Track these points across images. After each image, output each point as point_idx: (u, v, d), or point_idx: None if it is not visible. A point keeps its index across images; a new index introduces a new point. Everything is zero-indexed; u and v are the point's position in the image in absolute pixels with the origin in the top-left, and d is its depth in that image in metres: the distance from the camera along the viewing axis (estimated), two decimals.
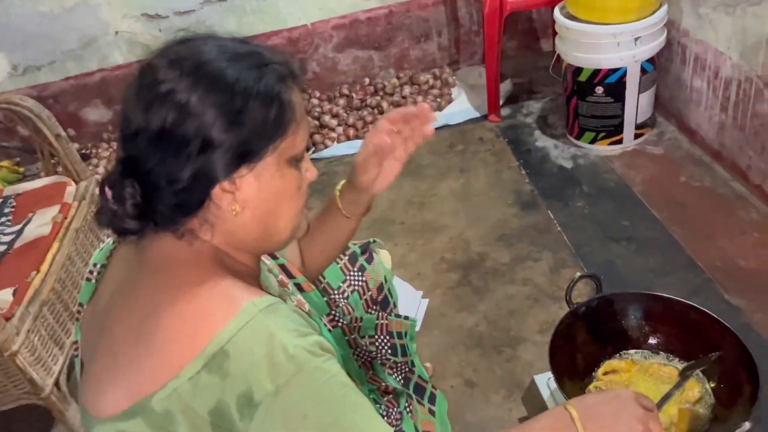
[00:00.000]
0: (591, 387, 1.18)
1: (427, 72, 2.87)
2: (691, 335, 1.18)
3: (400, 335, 1.26)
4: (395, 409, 1.08)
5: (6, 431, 1.65)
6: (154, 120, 0.66)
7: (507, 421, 1.38)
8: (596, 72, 2.08)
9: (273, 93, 0.69)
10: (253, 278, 0.77)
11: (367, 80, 2.84)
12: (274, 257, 0.96)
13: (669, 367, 1.18)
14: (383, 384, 1.11)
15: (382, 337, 1.22)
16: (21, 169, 2.76)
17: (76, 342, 0.86)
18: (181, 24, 2.60)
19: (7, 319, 1.34)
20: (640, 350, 1.23)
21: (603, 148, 2.23)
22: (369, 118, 2.63)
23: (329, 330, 0.94)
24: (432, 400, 1.31)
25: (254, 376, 0.64)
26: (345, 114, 2.70)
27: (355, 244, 1.24)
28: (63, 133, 1.77)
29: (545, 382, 1.25)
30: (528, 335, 1.59)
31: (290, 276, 0.96)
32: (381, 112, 2.67)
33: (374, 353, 1.19)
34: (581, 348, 1.21)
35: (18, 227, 1.62)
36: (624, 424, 0.77)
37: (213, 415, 0.65)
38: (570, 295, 1.21)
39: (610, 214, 1.95)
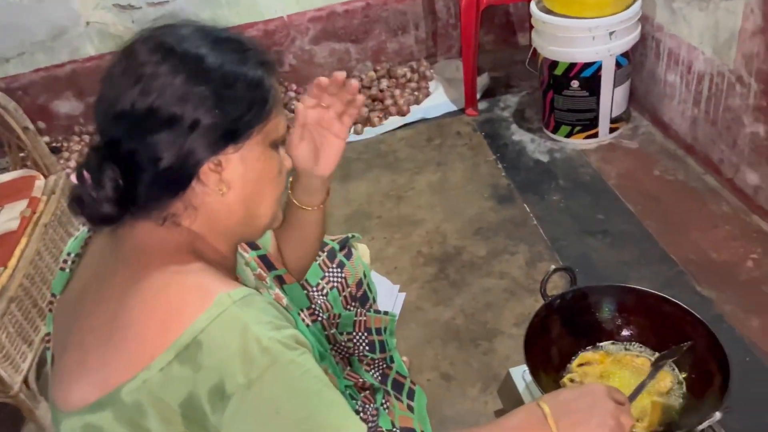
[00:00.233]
0: (566, 379, 1.18)
1: (405, 65, 2.87)
2: (663, 326, 1.19)
3: (378, 331, 1.25)
4: (371, 405, 1.08)
5: None
6: (139, 102, 0.65)
7: (483, 415, 1.39)
8: (572, 66, 2.09)
9: (257, 76, 0.70)
10: (229, 270, 0.76)
11: (344, 73, 2.82)
12: (254, 248, 0.95)
13: (642, 358, 1.20)
14: (360, 380, 1.11)
15: (360, 334, 1.21)
16: None
17: (48, 334, 0.84)
18: (154, 15, 2.55)
19: None
20: (614, 342, 1.23)
21: (579, 142, 2.25)
22: None
23: (308, 325, 0.93)
24: (411, 395, 1.31)
25: (227, 368, 0.63)
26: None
27: (333, 240, 1.23)
28: (31, 126, 1.73)
29: (521, 374, 1.25)
30: (504, 328, 1.60)
31: (271, 268, 0.95)
32: None
33: (352, 350, 1.18)
34: (556, 340, 1.21)
35: None
36: (596, 419, 0.78)
37: (184, 408, 0.64)
38: (545, 288, 1.21)
39: (586, 208, 1.97)
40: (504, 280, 1.75)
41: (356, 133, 2.54)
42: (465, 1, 2.30)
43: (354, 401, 1.05)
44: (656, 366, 1.10)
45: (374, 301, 1.26)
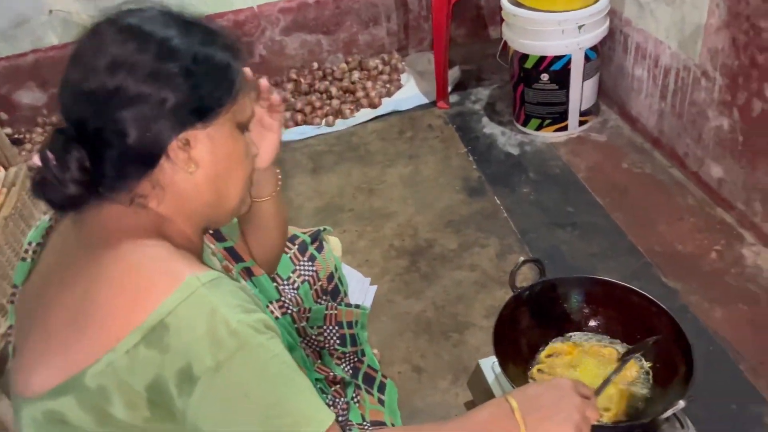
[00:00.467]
0: (534, 370, 1.20)
1: (376, 57, 2.85)
2: (630, 317, 1.21)
3: (350, 325, 1.25)
4: (342, 399, 1.07)
5: None
6: (106, 80, 0.65)
7: (453, 406, 1.40)
8: (542, 59, 2.11)
9: (224, 57, 0.71)
10: (196, 255, 0.75)
11: (315, 65, 2.80)
12: (221, 239, 0.94)
13: (609, 348, 1.21)
14: (331, 374, 1.10)
15: (331, 327, 1.20)
16: None
17: (10, 327, 0.82)
18: (119, 3, 2.49)
19: None
20: (582, 332, 1.25)
21: (549, 135, 2.27)
22: (317, 103, 2.60)
23: (277, 317, 0.92)
24: (382, 389, 1.31)
25: (194, 350, 0.62)
26: (293, 99, 2.65)
27: (305, 233, 1.22)
28: None
29: (490, 366, 1.26)
30: (475, 320, 1.61)
31: (238, 260, 0.94)
32: (330, 97, 2.64)
33: (323, 343, 1.17)
34: (525, 331, 1.22)
35: None
36: (562, 414, 0.79)
37: (150, 391, 0.63)
38: (514, 280, 1.22)
39: (555, 201, 1.98)
40: (475, 272, 1.76)
41: (328, 125, 2.53)
42: None
43: (325, 395, 1.05)
44: (623, 360, 1.12)
45: (345, 294, 1.25)
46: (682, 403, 0.98)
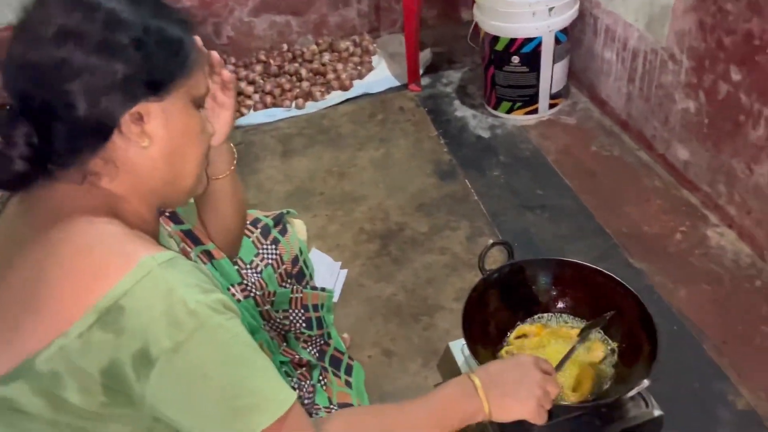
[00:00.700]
0: (503, 351, 1.20)
1: (347, 39, 2.81)
2: (597, 298, 1.22)
3: (316, 308, 1.24)
4: (308, 382, 1.07)
5: None
6: (52, 51, 0.63)
7: (423, 388, 1.40)
8: (512, 41, 2.10)
9: (176, 30, 0.69)
10: (151, 236, 0.73)
11: (285, 46, 2.76)
12: (178, 222, 0.91)
13: (576, 329, 1.22)
14: (297, 357, 1.09)
15: (296, 311, 1.19)
16: None
17: None
18: None
19: None
20: (550, 314, 1.26)
21: (519, 118, 2.27)
22: (287, 86, 2.56)
23: (239, 300, 0.91)
24: (349, 371, 1.30)
25: (151, 332, 0.61)
26: (262, 81, 2.61)
27: (267, 216, 1.20)
28: None
29: (460, 348, 1.26)
30: (445, 303, 1.61)
31: (197, 243, 0.92)
32: (300, 80, 2.60)
33: (288, 326, 1.16)
34: (494, 314, 1.22)
35: None
36: (524, 389, 0.81)
37: (105, 376, 0.62)
38: (483, 263, 1.22)
39: (526, 183, 1.99)
40: (445, 255, 1.76)
41: (298, 107, 2.50)
42: None
43: (290, 378, 1.04)
44: (582, 337, 1.13)
45: (311, 277, 1.24)
46: (646, 382, 1.00)
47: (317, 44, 2.77)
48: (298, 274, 1.20)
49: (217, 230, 0.97)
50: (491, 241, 1.21)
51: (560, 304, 1.26)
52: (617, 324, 1.18)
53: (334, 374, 1.22)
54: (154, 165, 0.70)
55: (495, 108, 2.31)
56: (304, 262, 1.22)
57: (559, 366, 1.02)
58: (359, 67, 2.65)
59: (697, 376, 1.36)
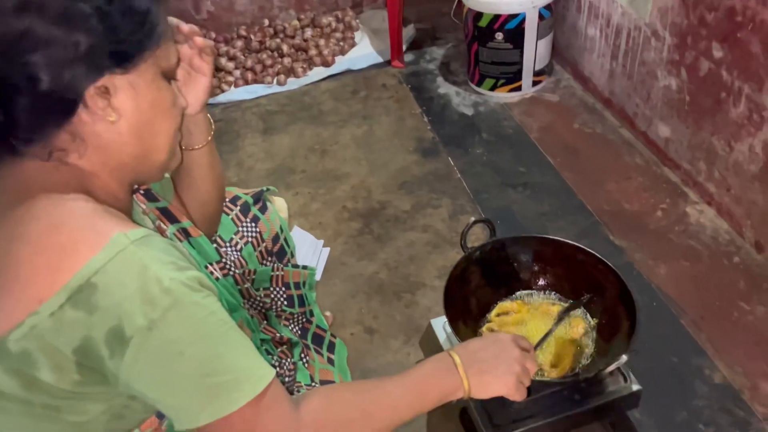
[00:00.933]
0: (484, 328, 1.21)
1: (330, 14, 2.77)
2: (578, 275, 1.23)
3: (297, 285, 1.23)
4: (289, 360, 1.06)
5: None
6: (14, 23, 0.60)
7: (405, 365, 1.41)
8: (496, 17, 2.08)
9: (143, 1, 0.66)
10: (124, 213, 0.72)
11: (266, 21, 2.71)
12: (153, 200, 0.89)
13: (557, 306, 1.23)
14: (277, 335, 1.09)
15: (278, 288, 1.18)
16: None
17: None
18: None
19: None
20: (531, 291, 1.27)
21: (502, 95, 2.26)
22: (268, 62, 2.52)
23: (217, 278, 0.90)
24: (331, 348, 1.30)
25: (125, 309, 0.60)
26: (242, 57, 2.57)
27: (246, 194, 1.18)
28: None
29: (441, 325, 1.27)
30: (427, 281, 1.61)
31: (174, 221, 0.90)
32: (281, 55, 2.56)
33: (269, 304, 1.15)
34: (475, 291, 1.23)
35: None
36: (503, 366, 0.81)
37: (78, 354, 0.61)
38: (465, 240, 1.22)
39: (508, 161, 1.99)
40: (427, 233, 1.76)
41: (279, 83, 2.46)
42: None
43: (270, 356, 1.03)
44: (559, 317, 1.14)
45: (292, 255, 1.23)
46: (625, 358, 1.01)
47: (299, 19, 2.72)
48: (279, 251, 1.19)
49: (195, 205, 0.96)
50: (473, 218, 1.21)
51: (541, 281, 1.27)
52: (597, 300, 1.19)
53: (317, 352, 1.22)
54: (123, 140, 0.68)
55: (478, 85, 2.29)
56: (285, 239, 1.20)
57: (538, 344, 1.03)
58: (341, 43, 2.61)
59: (675, 351, 1.38)
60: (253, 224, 1.13)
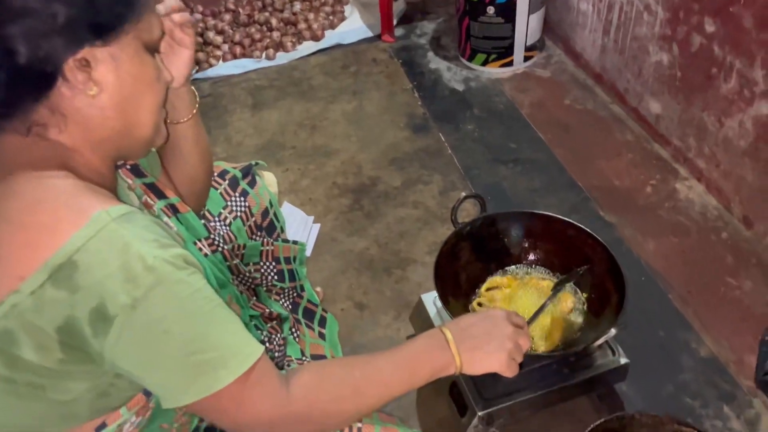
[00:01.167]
0: (474, 303, 1.21)
1: None
2: (567, 250, 1.23)
3: (288, 260, 1.22)
4: (279, 335, 1.06)
5: None
6: None
7: (395, 340, 1.41)
8: None
9: None
10: (108, 189, 0.70)
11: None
12: (140, 175, 0.88)
13: (547, 281, 1.24)
14: (267, 310, 1.08)
15: (268, 263, 1.18)
16: None
17: None
18: None
19: None
20: (521, 266, 1.27)
21: (494, 71, 2.25)
22: (257, 36, 2.48)
23: (206, 255, 0.89)
24: (322, 323, 1.30)
25: (108, 288, 0.59)
26: (231, 31, 2.53)
27: (235, 168, 1.17)
28: None
29: (432, 300, 1.27)
30: (417, 256, 1.61)
31: (161, 196, 0.89)
32: (270, 29, 2.53)
33: (259, 280, 1.15)
34: (465, 266, 1.23)
35: None
36: (495, 342, 0.81)
37: (61, 333, 0.60)
38: (455, 216, 1.21)
39: (499, 137, 1.98)
40: (418, 209, 1.75)
41: (268, 58, 2.43)
42: None
43: (260, 332, 1.03)
44: (554, 290, 1.14)
45: (282, 230, 1.22)
46: (613, 331, 1.02)
47: None
48: (269, 226, 1.18)
49: (183, 180, 0.94)
50: (464, 194, 1.20)
51: (531, 257, 1.27)
52: (587, 275, 1.19)
53: (308, 326, 1.22)
54: (104, 114, 0.66)
55: (470, 60, 2.27)
56: (275, 214, 1.19)
57: (531, 320, 1.03)
58: (331, 17, 2.58)
59: (663, 325, 1.40)
60: (242, 198, 1.12)
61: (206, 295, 0.64)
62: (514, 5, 2.07)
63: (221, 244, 0.95)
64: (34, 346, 0.61)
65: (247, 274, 1.09)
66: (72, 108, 0.64)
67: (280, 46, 2.47)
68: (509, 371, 0.83)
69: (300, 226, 1.69)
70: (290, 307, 1.22)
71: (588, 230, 1.19)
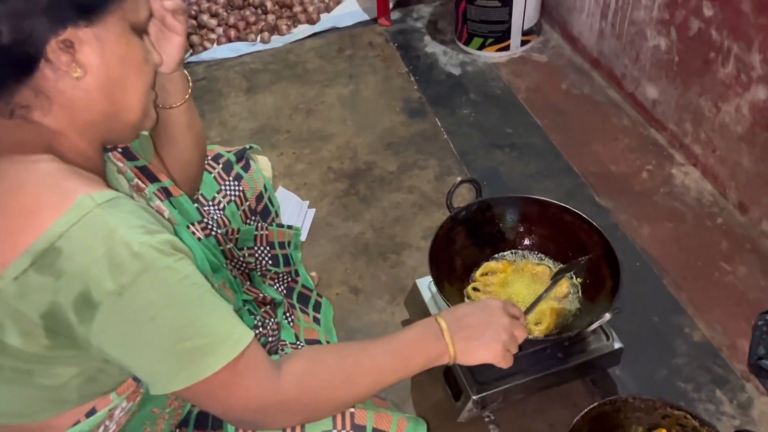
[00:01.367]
0: (469, 288, 1.21)
1: None
2: (563, 235, 1.23)
3: (282, 245, 1.22)
4: (272, 320, 1.06)
5: None
6: None
7: (390, 325, 1.41)
8: None
9: None
10: (96, 173, 0.69)
11: None
12: (132, 158, 0.87)
13: (542, 266, 1.24)
14: (261, 295, 1.08)
15: (262, 248, 1.17)
16: None
17: None
18: None
19: None
20: (516, 250, 1.27)
21: (490, 55, 2.23)
22: (252, 19, 2.46)
23: (199, 239, 0.88)
24: (317, 308, 1.30)
25: (92, 274, 0.58)
26: (225, 13, 2.50)
27: (229, 152, 1.16)
28: None
29: (427, 285, 1.27)
30: (412, 241, 1.61)
31: (153, 180, 0.88)
32: (265, 12, 2.50)
33: (253, 264, 1.14)
34: (460, 251, 1.23)
35: None
36: (490, 333, 0.80)
37: (46, 319, 0.60)
38: (451, 201, 1.21)
39: (495, 122, 1.97)
40: (413, 194, 1.75)
41: (263, 41, 2.40)
42: None
43: (253, 317, 1.03)
44: (554, 279, 1.14)
45: (277, 215, 1.21)
46: (607, 316, 1.02)
47: None
48: (263, 211, 1.17)
49: (176, 165, 0.93)
50: (459, 178, 1.20)
51: (527, 241, 1.27)
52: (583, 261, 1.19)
53: (302, 311, 1.22)
54: (90, 97, 0.65)
55: (466, 44, 2.26)
56: (269, 198, 1.19)
57: (528, 310, 1.02)
58: (327, 0, 2.55)
59: (656, 310, 1.40)
60: (236, 182, 1.11)
61: (194, 282, 0.64)
62: None
63: (215, 228, 0.94)
64: (19, 332, 0.60)
65: (241, 259, 1.08)
66: (56, 90, 0.63)
67: (275, 29, 2.44)
68: (504, 362, 0.83)
69: (295, 211, 1.68)
70: (285, 291, 1.22)
71: (583, 215, 1.19)
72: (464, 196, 1.66)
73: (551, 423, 1.21)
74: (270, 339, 1.03)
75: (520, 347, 0.87)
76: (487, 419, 1.22)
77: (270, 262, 1.16)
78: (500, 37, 2.18)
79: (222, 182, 1.10)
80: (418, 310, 1.29)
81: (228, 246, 1.00)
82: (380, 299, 1.47)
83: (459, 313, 0.82)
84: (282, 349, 1.05)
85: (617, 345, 1.15)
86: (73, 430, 0.70)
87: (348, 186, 1.79)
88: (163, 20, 0.81)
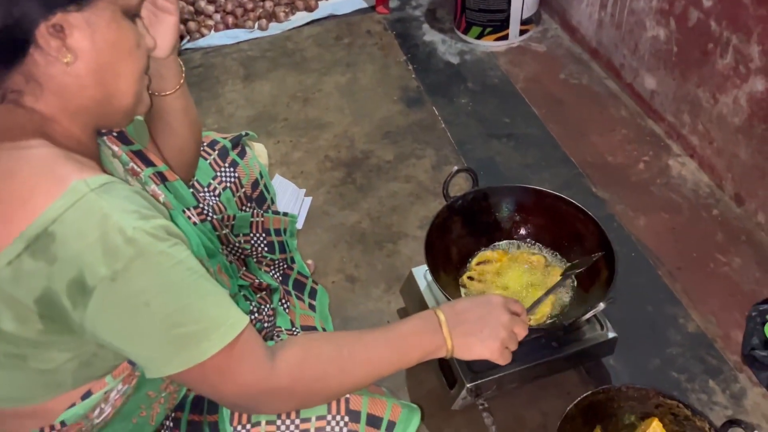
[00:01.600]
0: (465, 277, 1.21)
1: None
2: (559, 225, 1.23)
3: (278, 232, 1.22)
4: (268, 306, 1.06)
5: None
6: None
7: (386, 313, 1.42)
8: None
9: None
10: (89, 158, 0.69)
11: None
12: (127, 142, 0.87)
13: (537, 256, 1.24)
14: (256, 281, 1.08)
15: (258, 234, 1.17)
16: None
17: None
18: None
19: None
20: (512, 240, 1.27)
21: (489, 44, 2.22)
22: (249, 5, 2.44)
23: (195, 223, 0.88)
24: (312, 295, 1.30)
25: (86, 260, 0.58)
26: (223, 0, 2.48)
27: (225, 138, 1.16)
28: None
29: (423, 274, 1.27)
30: (409, 230, 1.61)
31: (149, 164, 0.87)
32: None
33: (249, 251, 1.14)
34: (456, 240, 1.23)
35: None
36: (488, 329, 0.80)
37: (40, 305, 0.60)
38: (447, 190, 1.21)
39: (493, 111, 1.97)
40: (410, 183, 1.75)
41: (261, 28, 2.39)
42: None
43: (248, 302, 1.03)
44: (564, 276, 1.13)
45: (273, 202, 1.21)
46: (602, 306, 1.02)
47: None
48: (259, 197, 1.17)
49: (171, 151, 0.93)
50: (456, 167, 1.20)
51: (523, 231, 1.27)
52: (578, 250, 1.20)
53: (298, 297, 1.22)
54: (81, 83, 0.64)
55: (465, 33, 2.25)
56: (265, 185, 1.18)
57: (531, 308, 1.01)
58: None
59: (651, 301, 1.41)
60: (232, 169, 1.11)
61: (189, 267, 0.63)
62: None
63: (210, 214, 0.94)
64: (12, 317, 0.60)
65: (237, 245, 1.08)
66: (47, 76, 0.62)
67: (272, 16, 2.43)
68: (501, 359, 0.82)
69: (291, 199, 1.68)
70: (280, 278, 1.22)
71: (580, 205, 1.19)
72: (461, 186, 1.66)
73: (545, 411, 1.22)
74: (266, 325, 1.03)
75: (519, 342, 0.86)
76: (480, 407, 1.23)
77: (266, 248, 1.16)
78: (499, 26, 2.17)
79: (218, 168, 1.10)
80: (413, 299, 1.29)
81: (224, 232, 1.00)
82: (376, 288, 1.48)
83: (459, 308, 0.82)
84: (278, 336, 1.05)
85: (611, 334, 1.15)
86: (69, 413, 0.70)
87: (345, 175, 1.79)
88: (154, 2, 0.80)
